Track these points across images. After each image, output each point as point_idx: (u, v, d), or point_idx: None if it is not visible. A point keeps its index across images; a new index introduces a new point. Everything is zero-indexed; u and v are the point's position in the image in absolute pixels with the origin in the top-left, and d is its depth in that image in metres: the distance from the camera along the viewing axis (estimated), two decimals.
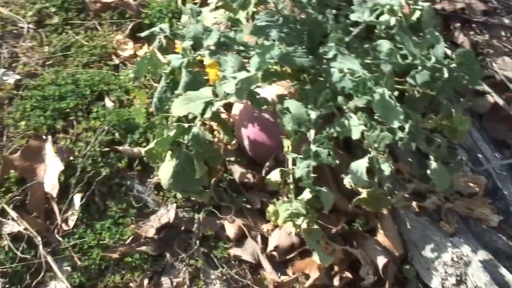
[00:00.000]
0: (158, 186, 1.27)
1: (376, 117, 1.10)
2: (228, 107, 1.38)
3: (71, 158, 1.25)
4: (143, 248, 1.20)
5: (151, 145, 1.14)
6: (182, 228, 1.24)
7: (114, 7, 1.58)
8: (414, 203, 1.21)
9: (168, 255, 1.21)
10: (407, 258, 1.23)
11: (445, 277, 1.14)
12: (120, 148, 1.29)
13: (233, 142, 1.32)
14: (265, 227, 1.26)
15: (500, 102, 1.49)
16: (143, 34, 1.33)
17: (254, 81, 1.10)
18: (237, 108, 1.32)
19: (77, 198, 1.21)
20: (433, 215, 1.23)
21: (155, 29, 1.30)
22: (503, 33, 1.81)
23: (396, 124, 1.07)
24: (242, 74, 1.08)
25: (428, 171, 1.15)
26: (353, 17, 1.23)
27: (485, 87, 1.52)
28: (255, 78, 1.10)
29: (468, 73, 1.18)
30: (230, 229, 1.24)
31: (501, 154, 1.38)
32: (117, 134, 1.30)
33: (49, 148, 1.26)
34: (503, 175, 1.32)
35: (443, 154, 1.19)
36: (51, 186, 1.22)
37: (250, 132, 1.26)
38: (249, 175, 1.29)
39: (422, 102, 1.22)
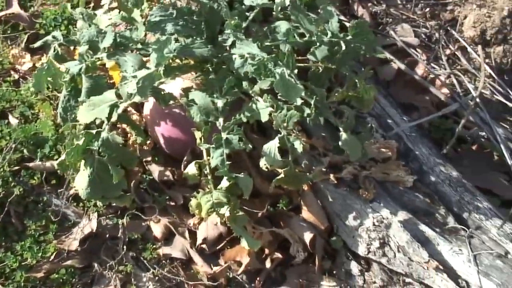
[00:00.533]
0: (76, 197, 1.24)
1: (279, 97, 1.11)
2: (139, 107, 1.37)
3: None
4: (69, 262, 1.17)
5: (63, 157, 1.12)
6: (107, 235, 1.22)
7: (5, 20, 1.51)
8: (331, 176, 1.23)
9: (96, 265, 1.19)
10: (333, 230, 1.26)
11: (370, 242, 1.18)
12: (31, 164, 1.25)
13: (148, 141, 1.30)
14: (191, 221, 1.26)
15: (402, 67, 1.55)
16: (36, 45, 1.28)
17: (156, 78, 1.09)
18: (147, 107, 1.30)
19: None
20: (351, 184, 1.26)
21: (48, 37, 1.26)
22: (399, 1, 1.87)
23: (299, 101, 1.09)
24: (142, 72, 1.07)
25: (340, 143, 1.18)
26: (247, 1, 1.24)
27: (387, 55, 1.57)
28: (157, 75, 1.09)
29: (364, 43, 1.22)
30: (157, 229, 1.23)
31: (409, 117, 1.43)
32: (25, 151, 1.26)
33: None
34: (413, 137, 1.37)
35: (352, 124, 1.22)
36: None
37: (163, 130, 1.25)
38: (168, 173, 1.28)
39: (325, 76, 1.25)
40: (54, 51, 1.24)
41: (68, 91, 1.18)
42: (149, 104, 1.29)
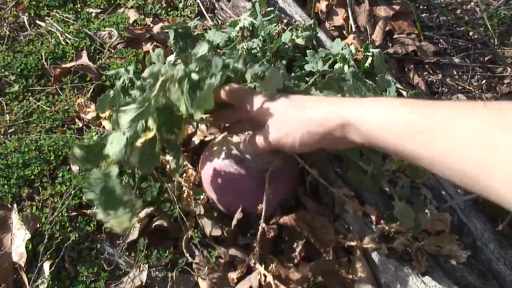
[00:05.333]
0: (129, 247, 1.26)
1: None
2: (194, 162, 1.40)
3: (38, 225, 1.23)
4: None
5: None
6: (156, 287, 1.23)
7: (75, 71, 1.59)
8: (384, 245, 1.22)
9: None
10: None
11: None
12: (88, 211, 1.28)
13: (202, 196, 1.32)
14: (231, 275, 1.25)
15: None
16: (108, 73, 1.33)
17: None
18: (203, 162, 1.33)
19: (46, 266, 1.19)
20: (403, 255, 1.24)
21: (121, 69, 1.31)
22: (455, 72, 1.88)
23: None
24: None
25: (394, 212, 1.17)
26: (308, 67, 1.27)
27: None
28: None
29: None
30: (204, 286, 1.23)
31: (463, 189, 1.41)
32: (83, 198, 1.29)
33: (14, 217, 1.24)
34: (467, 210, 1.34)
35: (407, 194, 1.22)
36: (19, 255, 1.19)
37: (216, 185, 1.27)
38: (219, 229, 1.30)
39: None
40: (122, 82, 1.29)
41: None
42: (204, 158, 1.32)
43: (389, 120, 0.82)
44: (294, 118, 0.96)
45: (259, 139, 1.04)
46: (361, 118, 0.87)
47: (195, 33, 1.35)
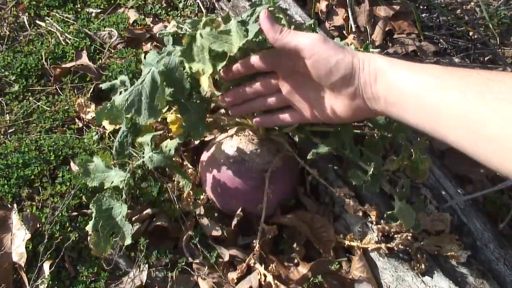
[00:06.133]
0: (129, 247, 1.26)
1: None
2: (195, 162, 1.40)
3: (38, 225, 1.23)
4: None
5: None
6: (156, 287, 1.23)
7: (75, 71, 1.59)
8: (383, 245, 1.22)
9: None
10: None
11: None
12: (89, 211, 1.28)
13: (202, 196, 1.32)
14: (231, 276, 1.26)
15: None
16: (103, 86, 1.34)
17: None
18: (203, 162, 1.33)
19: (46, 266, 1.19)
20: (403, 255, 1.24)
21: (116, 81, 1.31)
22: None
23: None
24: None
25: (395, 211, 1.17)
26: None
27: None
28: None
29: None
30: (204, 286, 1.23)
31: (463, 189, 1.41)
32: (84, 197, 1.30)
33: (14, 217, 1.24)
34: (467, 210, 1.34)
35: (407, 193, 1.22)
36: (19, 255, 1.19)
37: (216, 185, 1.27)
38: (219, 229, 1.29)
39: (381, 144, 1.26)
40: (119, 94, 1.29)
41: (127, 128, 1.20)
42: (204, 158, 1.32)
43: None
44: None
45: None
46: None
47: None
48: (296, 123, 1.09)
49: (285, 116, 1.07)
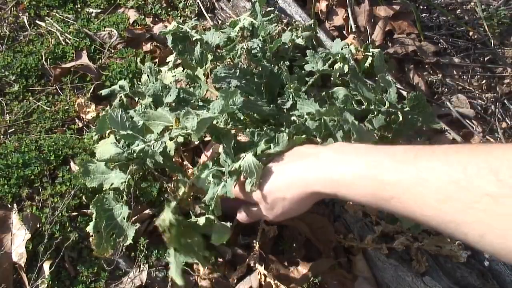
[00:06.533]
0: (129, 247, 1.26)
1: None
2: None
3: (38, 225, 1.23)
4: None
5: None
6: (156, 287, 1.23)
7: (75, 71, 1.59)
8: (384, 245, 1.22)
9: None
10: None
11: None
12: (88, 211, 1.28)
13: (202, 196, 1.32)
14: (231, 276, 1.25)
15: (458, 138, 1.54)
16: (103, 92, 1.34)
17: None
18: (203, 159, 1.33)
19: (46, 266, 1.19)
20: (403, 255, 1.24)
21: (115, 87, 1.32)
22: (455, 72, 1.88)
23: None
24: (205, 114, 1.09)
25: None
26: (308, 67, 1.27)
27: (443, 125, 1.57)
28: (217, 117, 1.10)
29: (421, 115, 1.22)
30: (204, 286, 1.23)
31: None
32: (84, 197, 1.29)
33: (14, 217, 1.24)
34: None
35: None
36: (19, 255, 1.19)
37: None
38: None
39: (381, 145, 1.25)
40: (120, 100, 1.29)
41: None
42: (204, 158, 1.32)
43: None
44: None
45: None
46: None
47: (193, 38, 1.35)
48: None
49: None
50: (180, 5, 1.88)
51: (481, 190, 0.64)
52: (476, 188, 0.64)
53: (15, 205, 1.27)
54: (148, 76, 1.38)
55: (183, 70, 1.42)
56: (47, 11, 1.82)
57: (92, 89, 1.56)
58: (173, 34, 1.34)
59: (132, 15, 1.84)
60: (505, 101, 1.77)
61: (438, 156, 0.72)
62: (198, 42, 1.32)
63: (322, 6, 1.87)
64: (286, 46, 1.43)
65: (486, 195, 0.63)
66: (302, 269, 1.23)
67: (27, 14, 1.79)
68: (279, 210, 0.98)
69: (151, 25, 1.82)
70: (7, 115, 1.48)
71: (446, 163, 0.70)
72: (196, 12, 1.86)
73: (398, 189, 0.75)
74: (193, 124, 1.03)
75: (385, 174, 0.77)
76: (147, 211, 1.30)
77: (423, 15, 2.06)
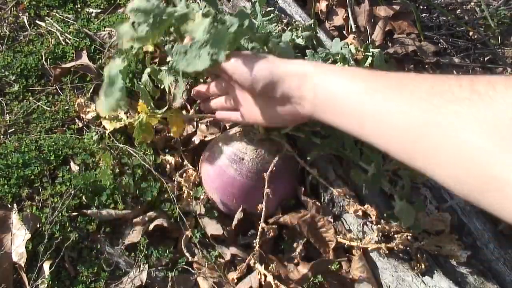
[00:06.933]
0: (129, 247, 1.26)
1: None
2: (195, 162, 1.40)
3: (38, 225, 1.23)
4: None
5: None
6: (156, 287, 1.23)
7: (75, 71, 1.58)
8: (383, 245, 1.22)
9: None
10: None
11: None
12: (88, 211, 1.28)
13: (202, 196, 1.32)
14: (231, 276, 1.26)
15: None
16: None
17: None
18: (203, 163, 1.33)
19: (46, 266, 1.19)
20: (403, 255, 1.24)
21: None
22: (455, 72, 1.88)
23: None
24: None
25: (395, 211, 1.18)
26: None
27: None
28: None
29: None
30: (204, 286, 1.23)
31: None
32: (84, 197, 1.29)
33: (14, 217, 1.24)
34: (467, 210, 1.34)
35: (408, 193, 1.22)
36: (19, 255, 1.19)
37: (217, 186, 1.27)
38: (220, 228, 1.29)
39: None
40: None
41: None
42: (204, 158, 1.32)
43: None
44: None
45: None
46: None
47: None
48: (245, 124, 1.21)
49: (238, 117, 1.16)
50: None
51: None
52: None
53: (15, 205, 1.27)
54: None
55: None
56: (47, 11, 1.81)
57: (92, 89, 1.56)
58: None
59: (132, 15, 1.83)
60: None
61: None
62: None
63: (322, 6, 1.88)
64: None
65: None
66: (302, 269, 1.23)
67: (27, 14, 1.79)
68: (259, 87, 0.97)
69: None
70: (7, 115, 1.48)
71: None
72: None
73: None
74: None
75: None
76: (147, 211, 1.30)
77: (423, 15, 2.06)
